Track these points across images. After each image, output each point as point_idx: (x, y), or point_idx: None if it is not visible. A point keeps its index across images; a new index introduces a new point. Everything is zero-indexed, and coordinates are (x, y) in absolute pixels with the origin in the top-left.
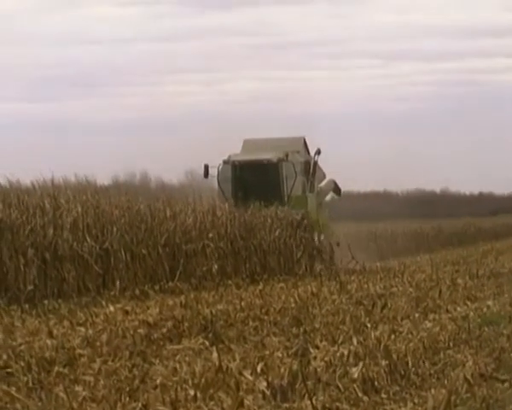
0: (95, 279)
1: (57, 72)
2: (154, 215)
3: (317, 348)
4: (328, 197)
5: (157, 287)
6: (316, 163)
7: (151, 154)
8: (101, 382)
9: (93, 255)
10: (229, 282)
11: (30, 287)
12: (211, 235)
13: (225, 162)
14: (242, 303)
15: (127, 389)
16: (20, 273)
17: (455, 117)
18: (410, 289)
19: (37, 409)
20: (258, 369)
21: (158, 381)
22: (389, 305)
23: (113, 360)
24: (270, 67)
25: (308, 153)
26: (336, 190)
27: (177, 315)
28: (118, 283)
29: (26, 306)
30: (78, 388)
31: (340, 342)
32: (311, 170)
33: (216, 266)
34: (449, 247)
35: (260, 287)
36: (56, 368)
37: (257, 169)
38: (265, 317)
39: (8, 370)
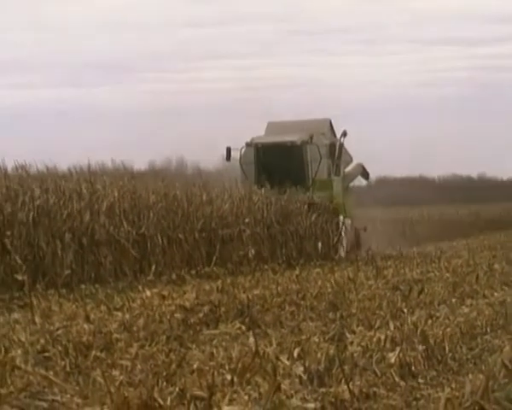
0: (131, 264)
1: (93, 58)
2: (190, 201)
3: (354, 333)
4: (355, 181)
5: (193, 272)
6: (342, 146)
7: (187, 140)
8: (138, 366)
9: (130, 240)
10: (266, 267)
11: (67, 271)
12: (247, 220)
13: (248, 145)
14: (279, 288)
15: (164, 373)
16: (57, 258)
17: (492, 102)
18: (447, 275)
19: (75, 393)
20: (295, 354)
21: (195, 366)
22: (426, 290)
23: (149, 345)
24: (304, 53)
25: (334, 135)
26: (364, 174)
27: (213, 300)
28: (154, 267)
29: (64, 290)
30: (116, 372)
31: (376, 327)
32: (336, 153)
33: (252, 252)
34: (486, 232)
35: (297, 272)
36: (94, 352)
37: (280, 152)
38: (302, 302)
39: (46, 354)
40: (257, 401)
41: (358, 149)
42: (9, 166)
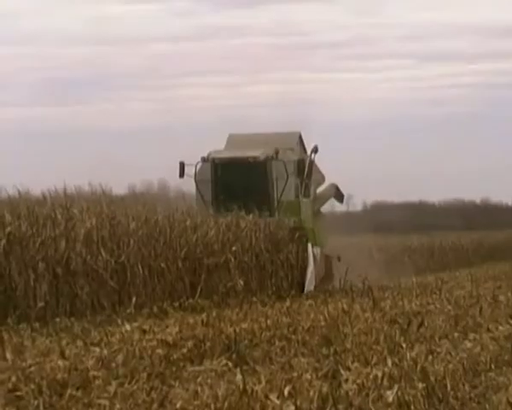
0: (110, 296)
1: (67, 74)
2: (173, 227)
3: (349, 369)
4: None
5: (177, 304)
6: (312, 163)
7: (169, 161)
8: (117, 406)
9: (108, 270)
10: (254, 299)
11: (40, 304)
12: (234, 248)
13: (204, 160)
14: (268, 321)
15: None
16: (30, 289)
17: (494, 122)
18: (449, 307)
19: None
20: (286, 392)
21: (178, 405)
22: (426, 323)
23: (129, 383)
24: (293, 69)
25: (305, 151)
26: (338, 196)
27: (198, 334)
28: (134, 300)
29: (37, 324)
30: None
31: (373, 363)
32: (306, 171)
33: (241, 282)
34: (490, 261)
35: (287, 304)
36: (69, 391)
37: (241, 168)
38: (293, 336)
39: (18, 393)
40: None
41: (350, 170)
42: None
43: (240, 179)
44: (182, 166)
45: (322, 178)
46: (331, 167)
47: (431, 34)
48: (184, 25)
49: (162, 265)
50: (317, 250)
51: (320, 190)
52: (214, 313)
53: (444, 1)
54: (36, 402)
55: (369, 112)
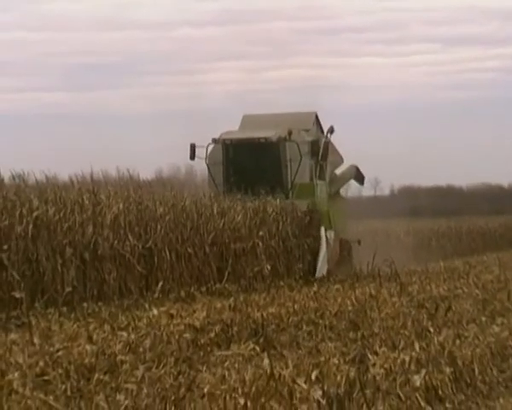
0: (137, 281)
1: (95, 59)
2: (200, 212)
3: (376, 354)
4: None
5: (204, 289)
6: (328, 144)
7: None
8: (145, 390)
9: (135, 255)
10: (281, 283)
11: (68, 289)
12: (261, 233)
13: (215, 141)
14: (295, 306)
15: (172, 398)
16: (58, 274)
17: None
18: (477, 291)
19: None
20: (313, 376)
21: (205, 389)
22: (453, 308)
23: (157, 367)
24: (318, 54)
25: (322, 131)
26: (359, 177)
27: (225, 319)
28: (161, 284)
29: (64, 309)
30: (120, 396)
31: (400, 347)
32: (320, 152)
33: (268, 267)
34: None
35: (315, 288)
36: (96, 375)
37: (253, 150)
38: (320, 321)
39: (46, 377)
40: None
41: (377, 155)
42: (6, 175)
43: (252, 161)
44: (192, 148)
45: (341, 160)
46: (357, 152)
47: (456, 18)
48: (210, 9)
49: (189, 250)
50: (331, 234)
51: (338, 171)
52: (241, 298)
53: None
54: (63, 387)
55: (395, 96)
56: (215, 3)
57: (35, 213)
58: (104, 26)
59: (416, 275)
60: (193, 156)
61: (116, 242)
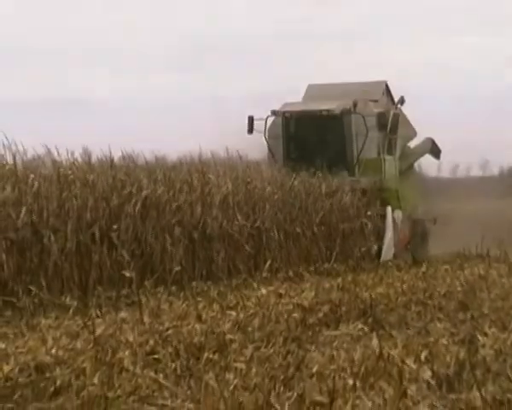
0: (246, 260)
1: (205, 41)
2: (308, 192)
3: (486, 335)
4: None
5: (312, 268)
6: (398, 116)
7: None
8: (254, 369)
9: (244, 235)
10: (389, 263)
11: (177, 268)
12: (369, 213)
13: (275, 114)
14: (404, 286)
15: (281, 377)
16: (167, 253)
17: None
18: None
19: (186, 398)
20: (422, 357)
21: (314, 369)
22: None
23: (265, 347)
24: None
25: (392, 102)
26: (435, 151)
27: (333, 299)
28: (270, 264)
29: (173, 288)
30: (229, 375)
31: (511, 328)
32: (389, 125)
33: (375, 247)
34: None
35: (423, 269)
36: (206, 354)
37: (315, 123)
38: (429, 301)
39: (156, 356)
40: (382, 407)
41: (487, 135)
42: (116, 156)
43: (314, 135)
44: (251, 120)
45: (414, 133)
46: (465, 133)
47: None
48: None
49: (297, 230)
50: (399, 214)
51: (412, 145)
52: (350, 278)
53: None
54: (173, 365)
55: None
56: None
57: (144, 193)
58: None
59: None
60: (251, 130)
61: (225, 222)
